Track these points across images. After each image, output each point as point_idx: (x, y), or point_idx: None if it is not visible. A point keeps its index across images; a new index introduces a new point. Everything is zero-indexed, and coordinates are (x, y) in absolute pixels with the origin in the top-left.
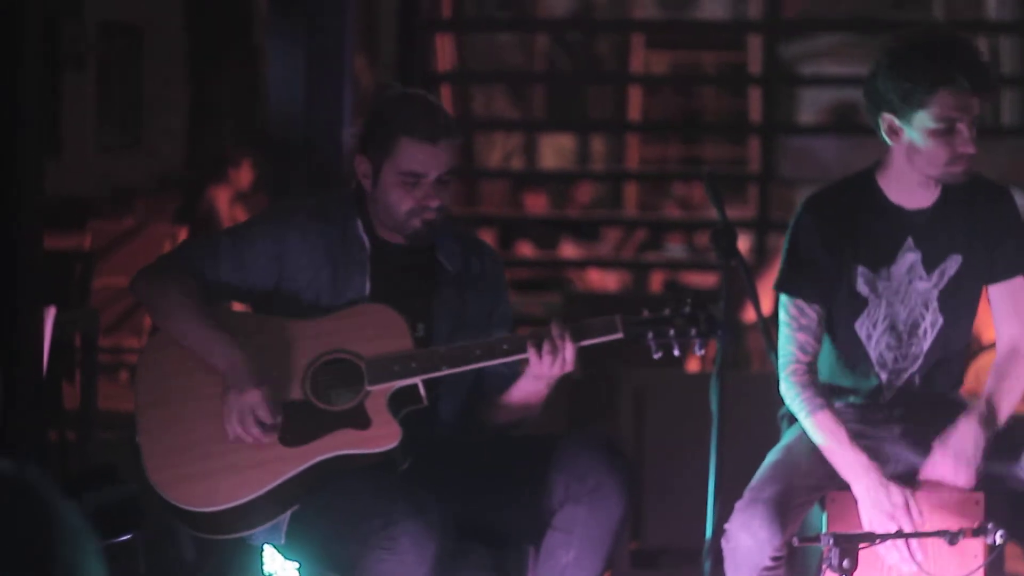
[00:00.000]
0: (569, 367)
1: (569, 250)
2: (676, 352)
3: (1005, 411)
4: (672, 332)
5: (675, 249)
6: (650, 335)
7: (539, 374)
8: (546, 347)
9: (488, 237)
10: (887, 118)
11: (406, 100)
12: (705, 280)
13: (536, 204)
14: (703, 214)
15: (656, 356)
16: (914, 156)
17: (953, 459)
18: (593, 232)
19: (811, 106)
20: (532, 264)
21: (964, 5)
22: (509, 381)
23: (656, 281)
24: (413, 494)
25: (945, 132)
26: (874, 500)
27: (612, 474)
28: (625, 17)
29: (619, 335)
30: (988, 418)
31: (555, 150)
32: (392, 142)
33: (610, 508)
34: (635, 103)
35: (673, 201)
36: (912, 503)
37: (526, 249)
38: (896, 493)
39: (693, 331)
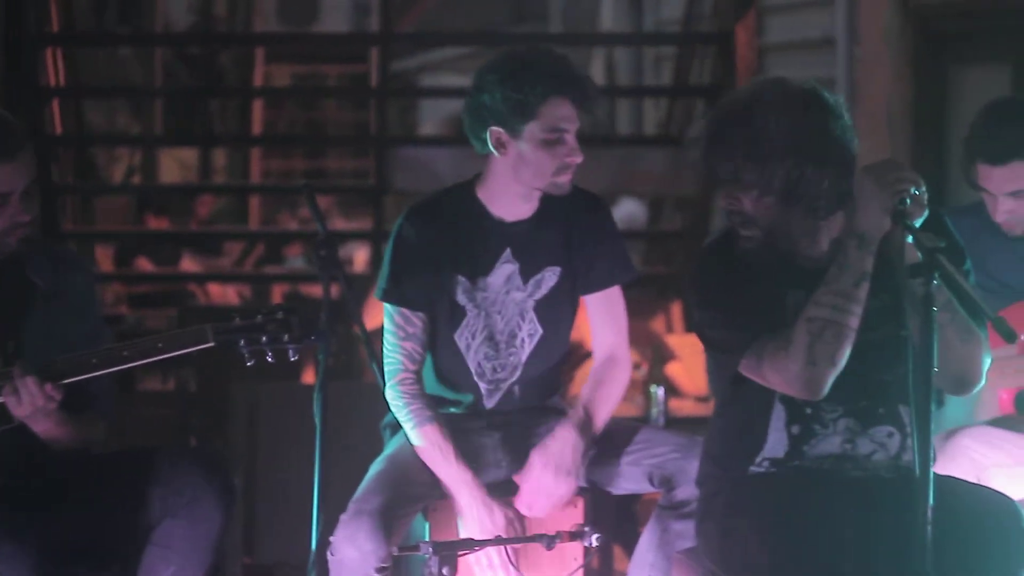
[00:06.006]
0: (41, 402)
1: (189, 264)
2: (270, 358)
3: (602, 416)
4: (265, 339)
5: (295, 261)
6: (242, 342)
7: (16, 415)
8: (7, 389)
9: (106, 254)
10: (495, 131)
11: None
12: None
13: (159, 225)
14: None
15: (249, 364)
16: (521, 168)
17: (553, 469)
18: (215, 246)
19: (431, 118)
20: (152, 279)
21: (581, 19)
22: None
23: (278, 294)
24: (6, 517)
25: (554, 143)
26: (476, 517)
27: (209, 487)
28: (246, 31)
29: (210, 344)
30: (585, 424)
31: (178, 164)
32: None
33: (208, 521)
34: (258, 116)
35: (294, 214)
36: (515, 520)
37: (146, 264)
38: (498, 513)
39: (286, 337)
